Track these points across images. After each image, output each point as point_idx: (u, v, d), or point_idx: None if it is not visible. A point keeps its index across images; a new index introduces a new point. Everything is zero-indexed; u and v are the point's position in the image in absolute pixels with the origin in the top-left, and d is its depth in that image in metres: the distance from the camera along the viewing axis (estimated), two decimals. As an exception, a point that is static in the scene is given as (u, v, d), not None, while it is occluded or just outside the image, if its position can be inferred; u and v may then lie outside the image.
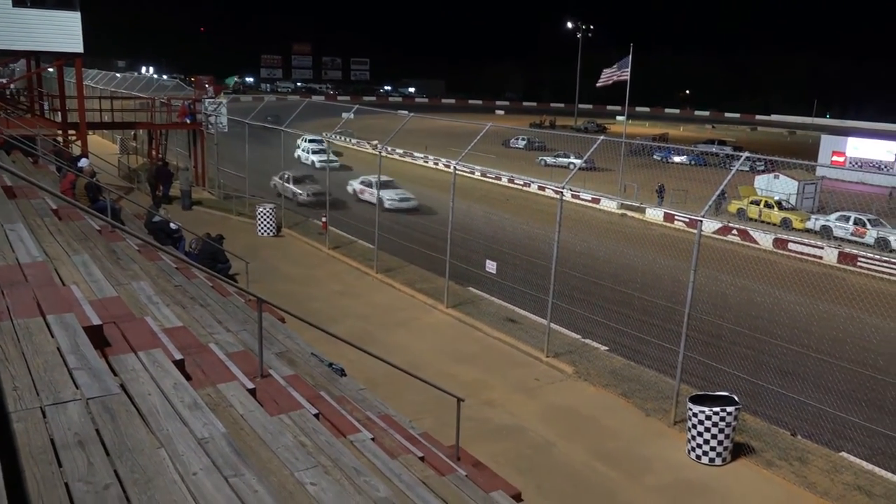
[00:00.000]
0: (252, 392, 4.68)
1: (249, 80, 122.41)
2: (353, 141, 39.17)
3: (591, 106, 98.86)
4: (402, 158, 36.28)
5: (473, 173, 32.70)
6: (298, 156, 39.15)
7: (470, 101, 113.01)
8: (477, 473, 6.87)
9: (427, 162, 37.28)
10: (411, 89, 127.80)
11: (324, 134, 26.69)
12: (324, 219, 21.57)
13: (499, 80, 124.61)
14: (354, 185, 28.72)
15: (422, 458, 6.01)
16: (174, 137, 30.22)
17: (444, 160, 25.49)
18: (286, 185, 26.40)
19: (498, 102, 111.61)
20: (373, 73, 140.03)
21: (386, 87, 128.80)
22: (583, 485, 9.29)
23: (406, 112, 35.20)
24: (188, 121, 27.47)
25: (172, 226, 15.04)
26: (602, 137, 15.61)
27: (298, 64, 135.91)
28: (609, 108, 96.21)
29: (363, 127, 43.08)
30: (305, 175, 28.65)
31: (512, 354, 13.72)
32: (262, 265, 17.20)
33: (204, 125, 27.00)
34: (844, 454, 10.47)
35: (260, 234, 21.74)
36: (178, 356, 4.47)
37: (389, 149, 21.68)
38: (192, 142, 28.33)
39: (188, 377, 4.28)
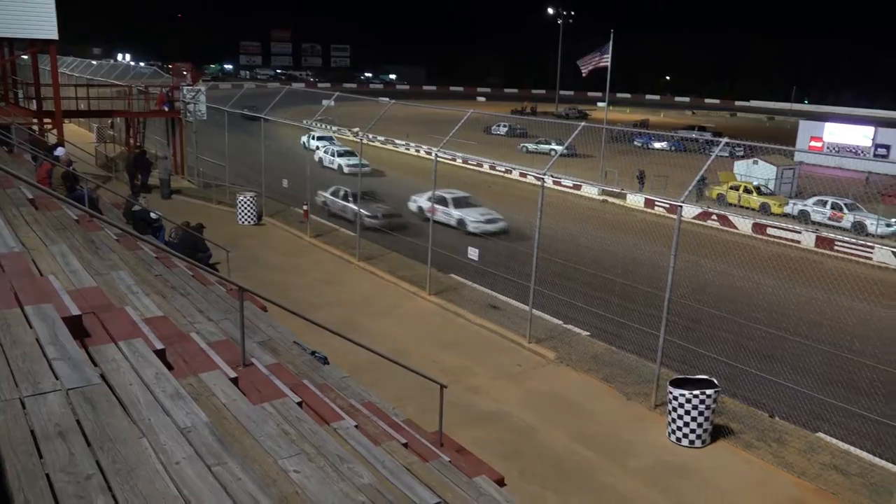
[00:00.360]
0: (234, 381, 4.67)
1: (228, 67, 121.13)
2: (334, 129, 38.97)
3: (572, 92, 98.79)
4: (383, 146, 36.20)
5: (455, 160, 32.76)
6: (320, 158, 34.79)
7: (451, 88, 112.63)
8: (460, 459, 6.92)
9: (409, 149, 37.21)
10: (392, 76, 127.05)
11: (304, 121, 26.10)
12: (305, 207, 21.46)
13: (480, 66, 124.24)
14: (420, 201, 24.21)
15: (405, 445, 6.03)
16: (152, 125, 29.88)
17: (425, 147, 25.41)
18: (346, 203, 22.58)
19: (479, 89, 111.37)
20: (353, 59, 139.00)
21: (366, 74, 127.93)
22: (565, 468, 9.39)
23: (387, 99, 35.00)
24: (166, 108, 27.16)
25: (152, 215, 14.92)
26: (583, 124, 15.67)
27: (278, 51, 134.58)
28: (590, 94, 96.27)
29: (344, 114, 42.86)
30: (366, 191, 23.42)
31: (494, 340, 13.79)
32: (244, 254, 17.12)
33: (182, 113, 26.70)
34: (821, 434, 10.67)
35: (241, 222, 21.61)
36: (160, 346, 4.45)
37: (371, 136, 21.63)
38: (171, 130, 28.02)
39: (170, 367, 4.26)
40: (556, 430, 10.38)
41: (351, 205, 21.98)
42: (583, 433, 10.33)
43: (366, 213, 21.26)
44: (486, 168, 35.65)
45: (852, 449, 10.22)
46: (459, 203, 23.32)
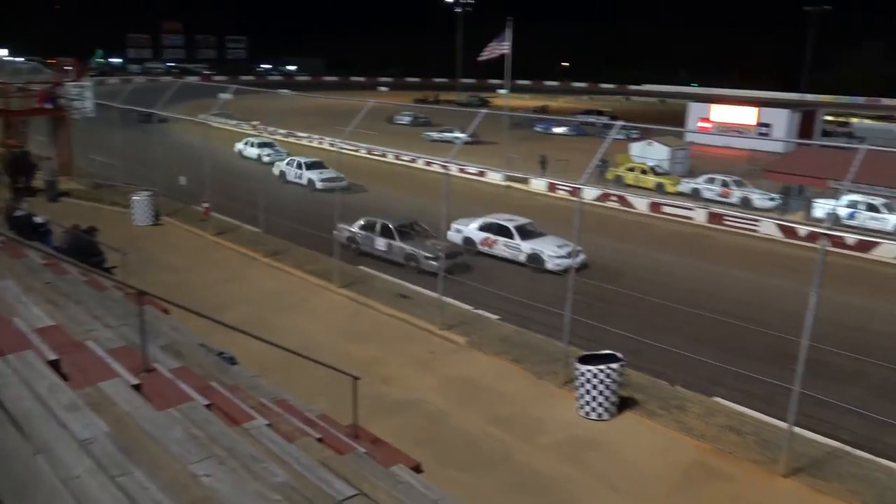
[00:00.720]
0: (137, 388, 4.52)
1: (117, 60, 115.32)
2: (233, 122, 37.85)
3: (474, 80, 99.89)
4: (285, 139, 35.49)
5: (358, 151, 32.54)
6: (282, 172, 29.51)
7: (352, 79, 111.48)
8: (376, 450, 6.93)
9: (311, 141, 36.64)
10: (292, 67, 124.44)
11: (199, 116, 24.97)
12: (205, 205, 20.78)
13: (381, 56, 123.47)
14: (467, 231, 19.76)
15: (320, 440, 5.99)
16: (35, 125, 28.13)
17: (328, 139, 25.05)
18: (392, 242, 18.00)
19: (381, 79, 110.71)
20: (250, 51, 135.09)
21: (265, 66, 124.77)
22: (480, 450, 9.57)
23: (287, 91, 34.26)
24: (49, 106, 25.63)
25: (37, 219, 14.07)
26: (484, 111, 15.85)
27: (169, 43, 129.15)
28: (491, 81, 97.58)
29: (242, 108, 41.68)
30: (405, 222, 18.94)
31: (406, 330, 13.85)
32: (142, 256, 16.43)
33: (68, 110, 25.28)
34: (718, 399, 11.33)
35: (137, 223, 20.70)
36: (53, 356, 4.25)
37: (271, 129, 21.12)
38: (56, 128, 26.49)
39: (65, 378, 4.08)
40: (470, 413, 10.57)
41: (400, 244, 17.82)
42: (496, 414, 10.55)
43: (424, 253, 17.28)
44: (390, 158, 35.62)
45: (746, 410, 10.92)
46: (526, 233, 18.97)
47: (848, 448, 9.84)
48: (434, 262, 16.47)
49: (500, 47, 35.23)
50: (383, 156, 35.47)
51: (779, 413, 9.94)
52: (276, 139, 34.40)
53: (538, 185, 30.62)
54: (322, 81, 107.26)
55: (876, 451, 9.80)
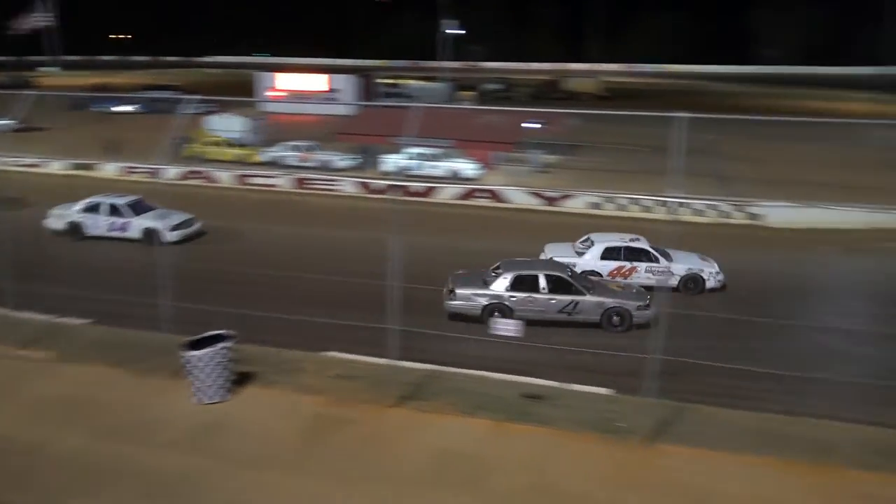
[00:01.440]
0: None
1: None
2: None
3: (10, 58, 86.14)
4: None
5: None
6: (74, 224, 19.63)
7: None
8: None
9: None
10: None
11: None
12: None
13: None
14: (582, 263, 16.33)
15: None
16: None
17: None
18: (576, 299, 14.06)
19: None
20: None
21: None
22: (93, 472, 8.52)
23: None
24: None
25: None
26: (33, 93, 13.80)
27: None
28: (30, 58, 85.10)
29: None
30: (564, 268, 14.93)
31: (-33, 359, 11.55)
32: None
33: None
34: (331, 353, 11.95)
35: None
36: None
37: None
38: None
39: None
40: (72, 435, 9.28)
41: (592, 298, 14.13)
42: (103, 428, 9.46)
43: (636, 303, 14.12)
44: None
45: (356, 357, 11.73)
46: (665, 253, 16.27)
47: (442, 368, 11.26)
48: (649, 312, 13.82)
49: (34, 20, 30.94)
50: None
51: (385, 353, 10.84)
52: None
53: (110, 169, 28.08)
54: None
55: (466, 365, 11.42)
